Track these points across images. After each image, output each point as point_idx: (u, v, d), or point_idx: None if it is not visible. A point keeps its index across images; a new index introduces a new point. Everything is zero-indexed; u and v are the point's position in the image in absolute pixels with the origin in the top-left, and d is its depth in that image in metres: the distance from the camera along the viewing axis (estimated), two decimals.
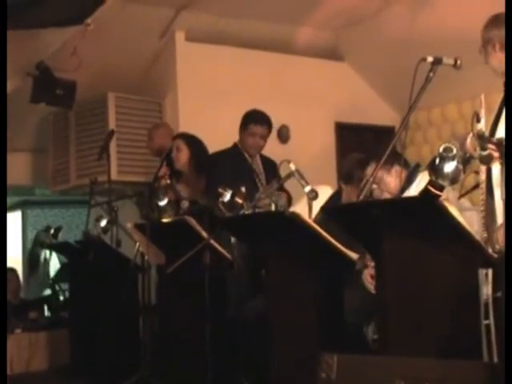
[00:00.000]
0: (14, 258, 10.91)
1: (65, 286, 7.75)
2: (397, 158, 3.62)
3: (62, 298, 8.12)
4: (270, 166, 5.18)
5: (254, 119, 5.22)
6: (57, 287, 7.90)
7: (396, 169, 3.83)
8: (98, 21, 5.19)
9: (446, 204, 2.49)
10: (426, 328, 2.72)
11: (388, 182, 3.92)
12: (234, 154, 5.25)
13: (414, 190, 3.71)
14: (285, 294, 3.43)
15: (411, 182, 3.82)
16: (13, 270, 7.57)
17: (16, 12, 4.60)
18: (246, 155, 5.24)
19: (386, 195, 3.88)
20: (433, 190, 2.47)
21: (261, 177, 5.21)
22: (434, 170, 2.51)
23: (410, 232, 2.73)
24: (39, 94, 6.03)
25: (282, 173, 4.00)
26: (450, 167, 2.49)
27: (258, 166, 5.29)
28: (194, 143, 5.37)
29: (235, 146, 5.28)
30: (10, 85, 5.88)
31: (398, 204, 2.93)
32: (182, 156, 5.34)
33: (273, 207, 3.77)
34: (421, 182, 3.70)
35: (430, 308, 2.69)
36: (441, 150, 2.53)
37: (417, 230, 2.69)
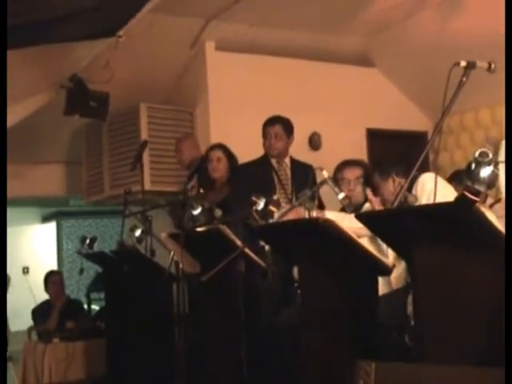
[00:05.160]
0: (50, 267, 11.01)
1: (100, 295, 7.81)
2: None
3: (97, 307, 8.16)
4: (301, 171, 5.17)
5: (265, 123, 5.29)
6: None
7: (393, 177, 3.97)
8: (128, 33, 5.22)
9: (483, 209, 2.46)
10: (462, 336, 2.68)
11: (383, 189, 4.04)
12: (259, 163, 5.28)
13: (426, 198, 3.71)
14: (318, 303, 3.40)
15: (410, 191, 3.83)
16: (59, 273, 7.48)
17: (49, 26, 4.65)
18: (273, 161, 5.26)
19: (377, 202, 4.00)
20: (469, 195, 2.43)
21: (284, 182, 5.20)
22: (470, 175, 2.48)
23: (445, 239, 2.69)
24: (73, 106, 6.09)
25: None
26: (486, 172, 2.46)
27: (285, 171, 5.28)
28: (230, 154, 5.45)
29: (264, 154, 5.31)
30: (45, 98, 5.96)
31: (433, 210, 2.89)
32: (222, 166, 5.40)
33: (306, 214, 3.74)
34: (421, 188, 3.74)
35: (467, 316, 2.65)
36: (476, 154, 2.50)
37: (452, 237, 2.65)
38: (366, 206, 4.36)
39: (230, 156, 5.45)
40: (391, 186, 4.02)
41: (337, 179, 4.38)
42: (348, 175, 4.50)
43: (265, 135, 5.27)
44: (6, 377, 4.55)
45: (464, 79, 3.05)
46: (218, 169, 5.41)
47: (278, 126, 5.23)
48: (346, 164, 4.58)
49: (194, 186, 5.32)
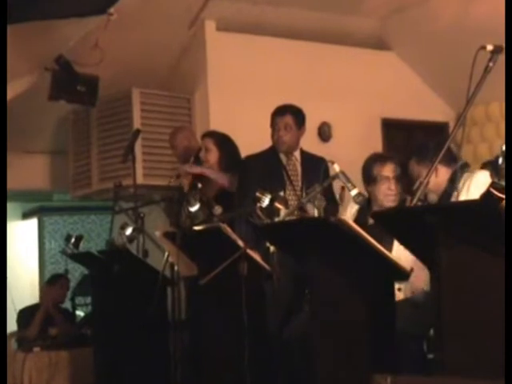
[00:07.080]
0: (31, 269, 11.02)
1: (86, 299, 7.82)
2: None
3: (82, 313, 8.17)
4: (313, 165, 5.15)
5: (274, 112, 5.26)
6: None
7: (437, 166, 3.92)
8: (121, 11, 5.24)
9: None
10: (490, 347, 2.69)
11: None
12: (265, 156, 5.26)
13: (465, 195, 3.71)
14: (329, 309, 3.41)
15: (455, 183, 3.81)
16: (66, 278, 7.45)
17: (34, 2, 4.66)
18: (282, 155, 5.24)
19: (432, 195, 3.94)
20: (495, 192, 2.44)
21: (293, 178, 5.19)
22: (497, 170, 2.49)
23: (470, 240, 2.70)
24: (59, 91, 6.10)
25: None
26: None
27: (294, 166, 5.27)
28: (223, 143, 5.41)
29: (272, 146, 5.30)
30: (27, 81, 5.97)
31: (456, 209, 2.90)
32: (211, 157, 5.37)
33: (316, 213, 3.76)
34: (469, 184, 3.71)
35: (495, 325, 2.66)
36: (504, 148, 2.51)
37: (478, 238, 2.66)
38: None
39: (224, 145, 5.40)
40: (434, 174, 3.88)
41: (372, 177, 4.25)
42: (387, 172, 4.27)
43: (273, 126, 5.24)
44: (6, 377, 4.56)
45: (490, 64, 3.06)
46: (207, 159, 5.38)
47: (289, 116, 5.20)
48: (383, 159, 4.36)
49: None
